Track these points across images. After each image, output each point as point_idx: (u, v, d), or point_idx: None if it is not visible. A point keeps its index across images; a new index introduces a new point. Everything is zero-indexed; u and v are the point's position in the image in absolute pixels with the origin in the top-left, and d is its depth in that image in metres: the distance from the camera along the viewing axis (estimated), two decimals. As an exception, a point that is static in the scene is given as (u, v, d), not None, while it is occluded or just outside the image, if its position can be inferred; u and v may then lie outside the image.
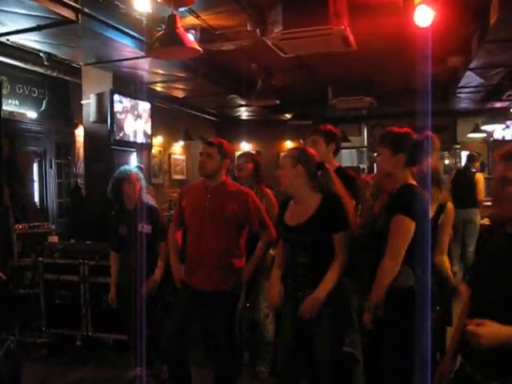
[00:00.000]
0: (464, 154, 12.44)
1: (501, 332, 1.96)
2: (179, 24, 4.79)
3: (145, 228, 4.51)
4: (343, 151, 13.98)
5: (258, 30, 5.71)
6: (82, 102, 7.63)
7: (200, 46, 5.00)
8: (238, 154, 5.25)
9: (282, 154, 3.53)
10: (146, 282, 4.45)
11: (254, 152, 5.37)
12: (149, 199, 5.44)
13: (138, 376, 4.58)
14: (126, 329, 4.74)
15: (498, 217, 2.18)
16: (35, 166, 8.15)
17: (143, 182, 4.77)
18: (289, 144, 13.32)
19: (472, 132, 11.62)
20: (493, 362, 2.05)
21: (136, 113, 8.00)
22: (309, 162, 3.36)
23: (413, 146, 3.07)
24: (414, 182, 3.08)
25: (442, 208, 3.46)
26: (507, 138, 11.81)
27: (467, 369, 2.15)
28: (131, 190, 4.63)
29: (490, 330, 1.96)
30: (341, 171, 3.97)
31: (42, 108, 7.89)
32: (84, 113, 7.64)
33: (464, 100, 10.42)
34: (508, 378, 2.03)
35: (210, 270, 3.81)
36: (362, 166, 13.98)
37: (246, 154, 5.20)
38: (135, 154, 8.27)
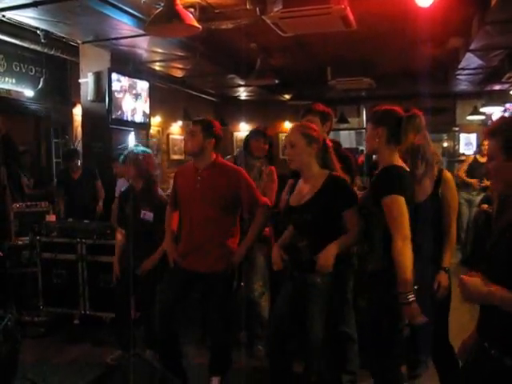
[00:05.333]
0: (463, 137, 12.44)
1: (482, 286, 1.94)
2: (178, 1, 4.75)
3: (146, 215, 4.47)
4: (341, 132, 13.97)
5: (257, 9, 5.66)
6: (80, 81, 7.59)
7: (199, 25, 4.96)
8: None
9: (292, 130, 3.38)
10: (142, 264, 4.43)
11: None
12: None
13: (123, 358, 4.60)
14: (117, 308, 4.74)
15: (494, 193, 2.19)
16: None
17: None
18: (287, 124, 13.28)
19: (471, 114, 11.59)
20: (508, 338, 2.03)
21: (134, 92, 7.95)
22: (319, 141, 3.35)
23: (395, 121, 3.05)
24: (401, 163, 3.06)
25: (438, 180, 3.44)
26: (506, 120, 11.77)
27: (483, 343, 2.15)
28: (126, 172, 4.63)
29: (477, 282, 1.95)
30: (334, 150, 3.97)
31: (40, 86, 7.84)
32: (82, 91, 7.59)
33: (463, 82, 10.36)
34: None
35: (203, 251, 3.81)
36: (360, 148, 13.97)
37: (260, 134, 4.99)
38: (133, 133, 8.24)
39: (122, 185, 6.27)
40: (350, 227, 3.20)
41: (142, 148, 4.76)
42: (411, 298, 2.78)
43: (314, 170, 3.33)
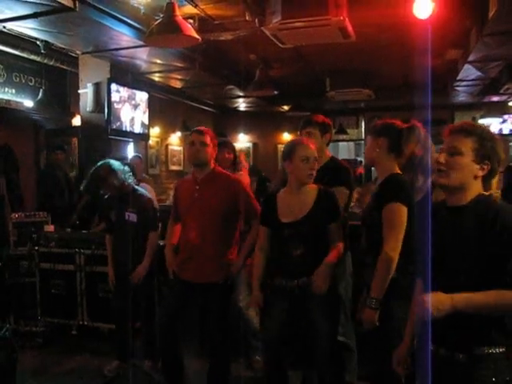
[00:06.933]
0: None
1: (446, 298, 2.00)
2: (177, 12, 4.78)
3: (130, 217, 4.47)
4: (340, 143, 14.00)
5: (256, 20, 5.67)
6: (79, 92, 7.60)
7: (198, 36, 4.98)
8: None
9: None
10: (133, 273, 4.44)
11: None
12: (147, 189, 5.41)
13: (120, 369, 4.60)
14: (116, 318, 4.74)
15: (446, 188, 2.21)
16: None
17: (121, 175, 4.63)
18: (286, 136, 13.31)
19: (469, 126, 11.60)
20: (456, 335, 2.10)
21: (133, 103, 7.97)
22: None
23: (396, 132, 3.11)
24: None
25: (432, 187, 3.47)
26: (504, 131, 11.79)
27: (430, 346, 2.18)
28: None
29: (435, 297, 2.00)
30: (333, 161, 3.99)
31: (39, 97, 7.83)
32: (81, 102, 7.60)
33: (462, 93, 10.39)
34: (472, 349, 2.07)
35: (201, 262, 3.80)
36: (359, 159, 13.99)
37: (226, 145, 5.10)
38: (132, 144, 8.25)
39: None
40: (334, 240, 3.33)
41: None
42: (377, 305, 2.90)
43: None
